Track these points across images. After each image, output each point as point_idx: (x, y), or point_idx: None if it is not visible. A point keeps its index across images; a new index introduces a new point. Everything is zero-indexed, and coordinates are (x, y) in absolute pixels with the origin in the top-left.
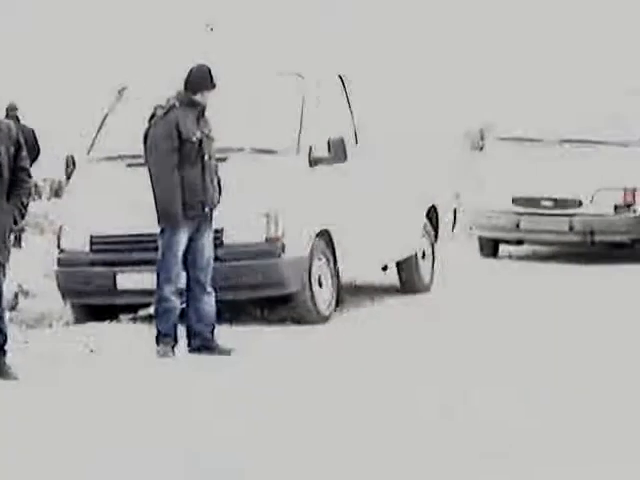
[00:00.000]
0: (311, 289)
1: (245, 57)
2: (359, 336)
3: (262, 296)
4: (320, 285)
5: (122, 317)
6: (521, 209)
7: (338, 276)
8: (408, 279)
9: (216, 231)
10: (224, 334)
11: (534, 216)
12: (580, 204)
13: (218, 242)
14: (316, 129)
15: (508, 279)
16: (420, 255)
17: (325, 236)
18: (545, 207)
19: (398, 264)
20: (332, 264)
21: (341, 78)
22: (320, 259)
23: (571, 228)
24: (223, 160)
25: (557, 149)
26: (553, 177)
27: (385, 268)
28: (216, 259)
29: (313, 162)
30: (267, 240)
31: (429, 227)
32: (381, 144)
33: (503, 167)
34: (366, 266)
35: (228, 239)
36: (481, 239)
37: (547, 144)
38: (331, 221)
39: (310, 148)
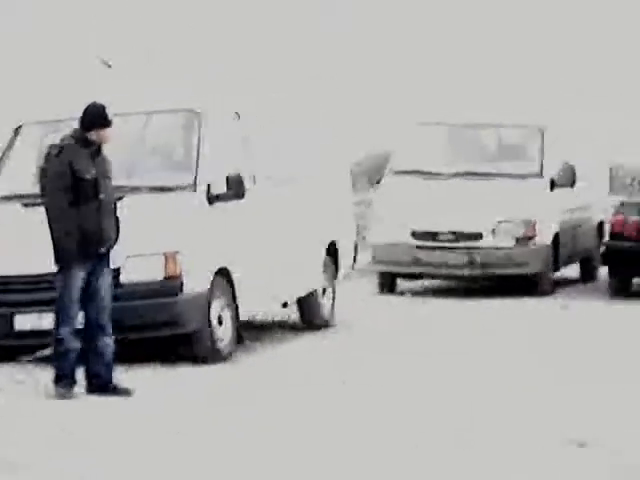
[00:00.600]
0: (210, 328)
1: (142, 94)
2: (259, 374)
3: (161, 335)
4: (220, 323)
5: (20, 358)
6: (420, 242)
7: (237, 314)
8: (309, 316)
9: (114, 270)
10: (123, 374)
11: (434, 250)
12: (480, 237)
13: (116, 281)
14: (214, 166)
15: (407, 314)
16: (320, 291)
17: (224, 274)
18: (445, 240)
19: (298, 301)
20: (231, 302)
21: (238, 115)
22: (219, 297)
23: (471, 262)
24: (120, 199)
25: (455, 182)
26: (452, 210)
27: (285, 305)
28: (114, 298)
29: (211, 199)
30: (165, 278)
31: (329, 263)
32: (280, 180)
33: (401, 201)
34: (266, 303)
35: (126, 278)
36: (380, 274)
37: (445, 177)
38: (230, 259)
39: (208, 185)
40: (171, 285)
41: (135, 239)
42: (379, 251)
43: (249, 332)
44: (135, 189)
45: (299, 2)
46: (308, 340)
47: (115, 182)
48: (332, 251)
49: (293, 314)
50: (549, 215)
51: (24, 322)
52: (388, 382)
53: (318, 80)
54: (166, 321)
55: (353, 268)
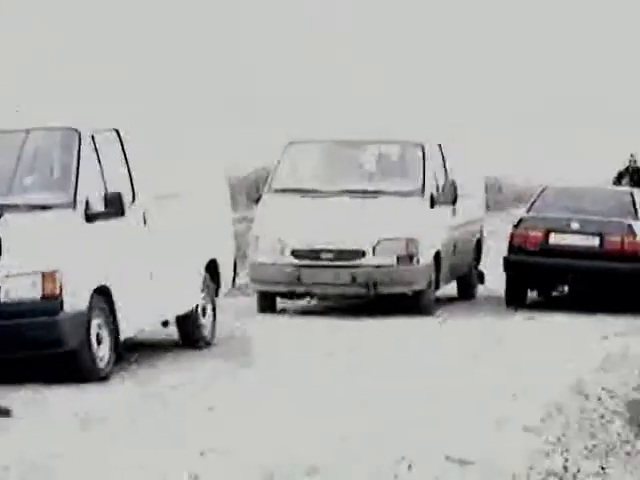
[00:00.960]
0: (90, 346)
1: (21, 111)
2: (138, 394)
3: (40, 354)
4: (99, 342)
5: None
6: (301, 261)
7: (117, 332)
8: (188, 334)
9: None
10: (3, 394)
11: (315, 268)
12: (362, 255)
13: None
14: (93, 184)
15: (286, 333)
16: (200, 310)
17: (104, 292)
18: (326, 259)
19: (178, 319)
20: (111, 320)
21: (117, 131)
22: (99, 316)
23: (354, 280)
24: None
25: (336, 200)
26: (333, 228)
27: (166, 324)
28: None
29: (90, 217)
30: (44, 297)
31: (209, 281)
32: (161, 197)
33: (280, 219)
34: (146, 322)
35: (4, 296)
36: (260, 294)
37: (325, 195)
38: (110, 277)
39: (87, 203)
40: (50, 304)
41: (13, 257)
42: (258, 270)
43: (128, 351)
44: (14, 207)
45: (165, 18)
46: (187, 359)
47: None
48: (212, 269)
49: (174, 333)
50: (430, 233)
51: None
52: (260, 407)
53: (201, 94)
54: (45, 340)
55: (233, 286)
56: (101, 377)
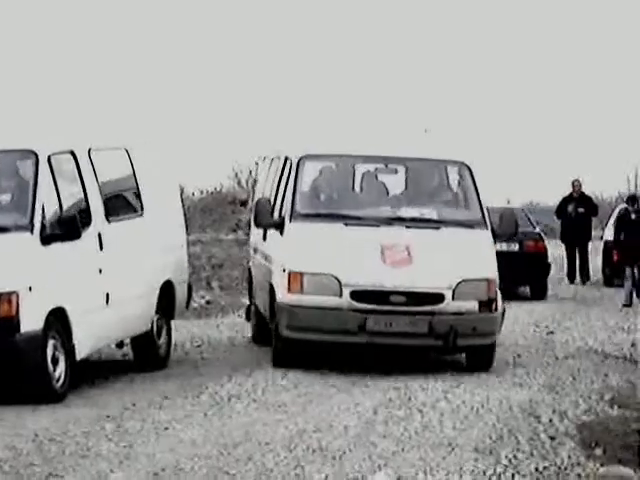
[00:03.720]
0: (45, 367)
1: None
2: (93, 415)
3: None
4: (55, 363)
5: None
6: (367, 305)
7: (73, 353)
8: (143, 355)
9: None
10: None
11: (385, 315)
12: (441, 299)
13: None
14: (49, 207)
15: (249, 355)
16: (155, 331)
17: (60, 313)
18: (398, 303)
19: (133, 340)
20: (67, 341)
21: (73, 153)
22: (54, 337)
23: (431, 329)
24: None
25: (390, 230)
26: (404, 265)
27: (121, 344)
28: None
29: (46, 240)
30: (0, 318)
31: (164, 303)
32: (117, 219)
33: (330, 251)
34: (102, 343)
35: None
36: (286, 342)
37: (370, 222)
38: (66, 298)
39: (43, 226)
40: (6, 325)
41: None
42: (299, 315)
43: (83, 372)
44: None
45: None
46: (141, 380)
47: None
48: (167, 291)
49: (129, 354)
50: (496, 272)
51: None
52: (212, 428)
53: (163, 110)
54: (1, 361)
55: (187, 308)
56: (56, 398)
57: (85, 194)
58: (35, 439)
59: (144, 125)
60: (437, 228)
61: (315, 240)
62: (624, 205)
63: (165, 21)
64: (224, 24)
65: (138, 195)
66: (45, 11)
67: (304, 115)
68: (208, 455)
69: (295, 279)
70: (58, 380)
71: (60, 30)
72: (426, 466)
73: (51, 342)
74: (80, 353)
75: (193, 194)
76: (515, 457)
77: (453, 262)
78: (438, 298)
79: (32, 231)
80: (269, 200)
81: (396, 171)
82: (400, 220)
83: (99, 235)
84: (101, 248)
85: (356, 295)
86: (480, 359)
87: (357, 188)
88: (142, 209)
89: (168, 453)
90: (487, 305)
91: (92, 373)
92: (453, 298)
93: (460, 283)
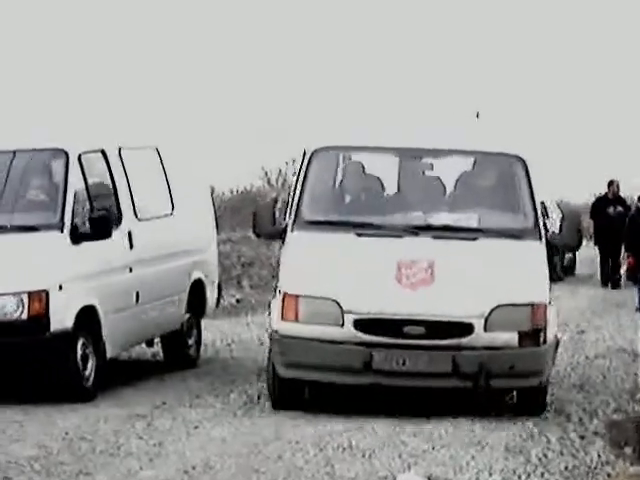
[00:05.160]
0: (75, 366)
1: (9, 131)
2: (123, 414)
3: (27, 373)
4: (84, 362)
5: None
6: (374, 338)
7: (103, 352)
8: (173, 354)
9: None
10: None
11: (397, 349)
12: (469, 330)
13: None
14: (80, 205)
15: None
16: (185, 329)
17: (90, 312)
18: (414, 335)
19: (163, 339)
20: (97, 340)
21: (104, 153)
22: (84, 335)
23: (456, 368)
24: None
25: (412, 241)
26: (422, 288)
27: (151, 343)
28: None
29: (76, 238)
30: (30, 317)
31: (194, 301)
32: (148, 217)
33: (332, 270)
34: (132, 342)
35: None
36: (281, 382)
37: (389, 231)
38: (96, 297)
39: (73, 225)
40: (36, 323)
41: (0, 277)
42: (293, 348)
43: (115, 371)
44: (1, 228)
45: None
46: (171, 379)
47: None
48: (197, 289)
49: (159, 353)
50: (544, 296)
51: None
52: (243, 427)
53: (189, 112)
54: (31, 360)
55: (218, 307)
56: (86, 396)
57: (115, 193)
58: (65, 437)
59: (175, 124)
60: (474, 239)
61: (317, 254)
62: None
63: (194, 22)
64: (250, 25)
65: (168, 194)
66: (75, 11)
67: (339, 109)
68: (238, 453)
69: (289, 304)
70: (88, 379)
71: (92, 30)
72: (456, 465)
73: (81, 341)
74: (110, 352)
75: (223, 194)
76: (545, 456)
77: (488, 283)
78: (465, 329)
79: (62, 230)
80: (272, 204)
81: (431, 167)
82: (428, 229)
83: (129, 234)
84: (131, 247)
85: (361, 324)
86: (526, 402)
87: (381, 188)
88: (172, 208)
89: (198, 451)
90: (531, 337)
91: (122, 372)
92: (485, 329)
93: (495, 310)
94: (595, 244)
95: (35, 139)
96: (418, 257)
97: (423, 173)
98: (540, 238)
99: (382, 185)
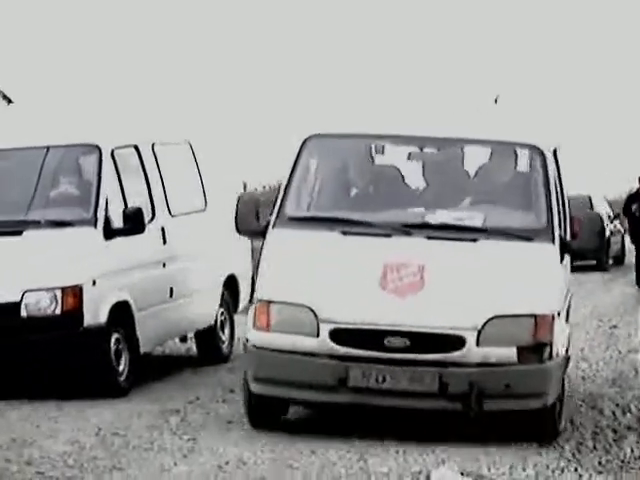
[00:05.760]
0: (109, 361)
1: (42, 127)
2: (157, 409)
3: (60, 369)
4: (118, 357)
5: None
6: (351, 351)
7: (137, 347)
8: (206, 349)
9: (13, 304)
10: (24, 409)
11: (376, 365)
12: (460, 344)
13: (15, 315)
14: (113, 201)
15: None
16: (219, 325)
17: (123, 307)
18: (397, 349)
19: (197, 334)
20: (130, 335)
21: (137, 149)
22: (118, 331)
23: (443, 387)
24: (19, 234)
25: (403, 242)
26: (409, 296)
27: (184, 339)
28: (13, 333)
29: (110, 234)
30: (64, 312)
31: (227, 297)
32: (180, 213)
33: (309, 273)
34: (165, 337)
35: (25, 312)
36: (257, 399)
37: (381, 230)
38: (129, 292)
39: (107, 220)
40: (70, 319)
41: (33, 273)
42: (265, 361)
43: (148, 366)
44: (34, 223)
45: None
46: (205, 374)
47: (14, 216)
48: (231, 285)
49: (193, 348)
50: (563, 304)
51: None
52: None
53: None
54: (65, 355)
55: (251, 302)
56: (120, 392)
57: (149, 188)
58: (98, 433)
59: (207, 120)
60: (473, 240)
61: (295, 255)
62: None
63: (230, 16)
64: (279, 19)
65: (201, 189)
66: (108, 4)
67: (363, 99)
68: (271, 449)
69: (262, 310)
70: (121, 374)
71: (125, 24)
72: (489, 460)
73: (115, 336)
74: (144, 347)
75: (256, 189)
76: (579, 451)
77: (485, 290)
78: (455, 342)
79: (95, 225)
80: (255, 198)
81: (435, 157)
82: (424, 227)
83: (162, 229)
84: (165, 242)
85: (338, 335)
86: (530, 427)
87: (378, 181)
88: (205, 203)
89: (232, 446)
90: (532, 353)
91: (155, 367)
92: (478, 342)
93: (490, 321)
94: (632, 242)
95: (68, 135)
96: (407, 260)
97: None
98: (553, 240)
99: (401, 175)
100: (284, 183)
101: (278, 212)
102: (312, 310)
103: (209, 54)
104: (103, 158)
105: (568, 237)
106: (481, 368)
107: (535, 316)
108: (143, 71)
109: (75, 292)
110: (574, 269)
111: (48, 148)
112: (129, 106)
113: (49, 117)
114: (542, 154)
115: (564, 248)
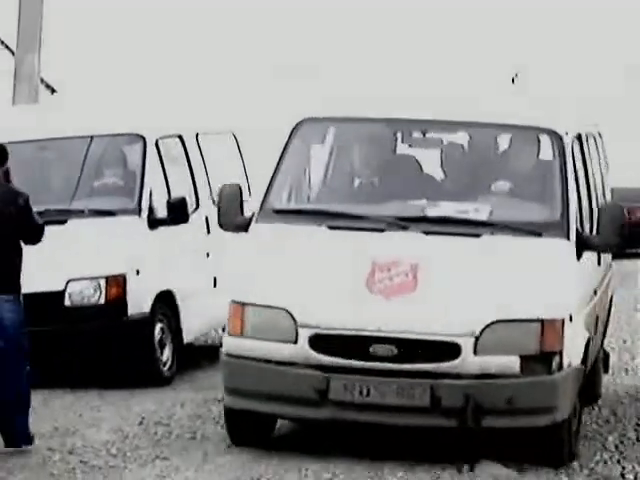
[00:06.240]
0: (153, 350)
1: (87, 117)
2: (200, 398)
3: (104, 358)
4: (162, 346)
5: None
6: (333, 360)
7: (180, 336)
8: None
9: (57, 293)
10: (69, 397)
11: (361, 376)
12: (455, 353)
13: (58, 304)
14: (157, 190)
15: None
16: None
17: (167, 297)
18: (383, 358)
19: None
20: (174, 324)
21: (181, 138)
22: (162, 320)
23: (435, 401)
24: (63, 222)
25: (397, 237)
26: (398, 299)
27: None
28: (56, 322)
29: (154, 223)
30: (108, 301)
31: None
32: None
33: (288, 273)
34: (208, 326)
35: (69, 301)
36: (233, 414)
37: (374, 224)
38: (174, 282)
39: (151, 209)
40: (114, 308)
41: (78, 262)
42: (238, 371)
43: (192, 356)
44: (78, 213)
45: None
46: None
47: (58, 206)
48: None
49: None
50: (575, 307)
51: None
52: None
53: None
54: (109, 344)
55: None
56: (163, 381)
57: (193, 178)
58: (142, 422)
59: (252, 110)
60: (476, 235)
61: (275, 252)
62: None
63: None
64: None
65: (245, 179)
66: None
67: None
68: (304, 440)
69: (235, 313)
70: (165, 363)
71: (168, 16)
72: (532, 452)
73: (158, 325)
74: (187, 337)
75: None
76: (622, 442)
77: (485, 292)
78: (450, 350)
79: (140, 215)
80: (238, 189)
81: (441, 143)
82: (422, 221)
83: (206, 219)
84: (209, 232)
85: (318, 342)
86: (541, 448)
87: (376, 170)
88: (250, 193)
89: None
90: (539, 362)
91: (198, 357)
92: (476, 350)
93: (490, 326)
94: None
95: (112, 124)
96: (399, 257)
97: (405, 154)
98: (567, 234)
99: (370, 166)
100: (271, 172)
101: (262, 204)
102: (290, 313)
103: (257, 45)
104: (147, 148)
105: (590, 231)
106: (479, 380)
107: (542, 321)
108: (189, 61)
109: (119, 281)
110: (625, 256)
111: (92, 138)
112: (174, 96)
113: (93, 107)
114: (560, 139)
115: (583, 244)
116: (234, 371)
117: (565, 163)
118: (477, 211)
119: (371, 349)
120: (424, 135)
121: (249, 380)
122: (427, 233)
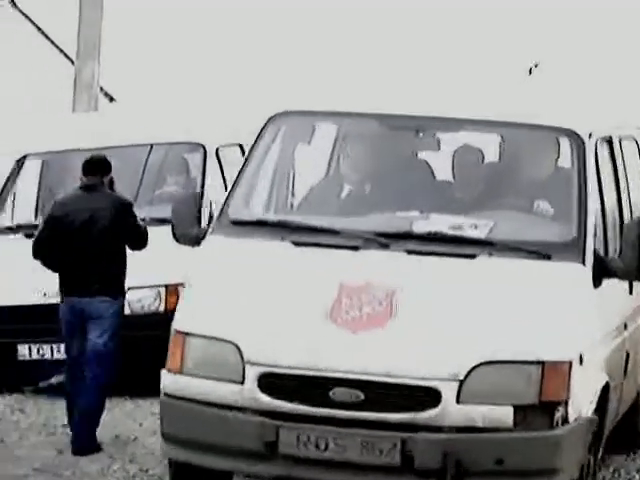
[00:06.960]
0: None
1: (148, 126)
2: None
3: (162, 368)
4: None
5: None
6: (285, 405)
7: None
8: None
9: None
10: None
11: (317, 426)
12: (435, 400)
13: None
14: (218, 199)
15: None
16: None
17: None
18: (346, 405)
19: None
20: None
21: (242, 147)
22: None
23: (406, 460)
24: None
25: (374, 258)
26: (368, 332)
27: None
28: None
29: None
30: (167, 310)
31: None
32: None
33: (239, 300)
34: None
35: (128, 309)
36: (176, 467)
37: (348, 240)
38: None
39: (210, 217)
40: (173, 316)
41: (137, 270)
42: (177, 416)
43: None
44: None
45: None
46: None
47: None
48: None
49: None
50: (596, 349)
51: (26, 352)
52: None
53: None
54: (167, 352)
55: None
56: None
57: None
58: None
59: None
60: (471, 256)
61: (226, 272)
62: None
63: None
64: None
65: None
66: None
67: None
68: None
69: (176, 345)
70: None
71: (225, 22)
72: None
73: None
74: None
75: None
76: None
77: (474, 327)
78: (427, 397)
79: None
80: (194, 197)
81: (438, 144)
82: (407, 238)
83: None
84: None
85: (267, 383)
86: None
87: (363, 174)
88: None
89: None
90: (537, 414)
91: None
92: (459, 398)
93: (477, 368)
94: None
95: (173, 133)
96: (372, 282)
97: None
98: (583, 258)
99: (431, 171)
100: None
101: (219, 214)
102: (237, 347)
103: (315, 54)
104: (208, 156)
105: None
106: (462, 434)
107: (543, 363)
108: (250, 70)
109: (178, 290)
110: None
111: (152, 146)
112: (234, 104)
113: (154, 115)
114: (581, 142)
115: (603, 269)
116: (172, 415)
117: (585, 170)
118: (475, 227)
119: (331, 393)
120: (418, 133)
121: (188, 426)
122: (410, 252)
